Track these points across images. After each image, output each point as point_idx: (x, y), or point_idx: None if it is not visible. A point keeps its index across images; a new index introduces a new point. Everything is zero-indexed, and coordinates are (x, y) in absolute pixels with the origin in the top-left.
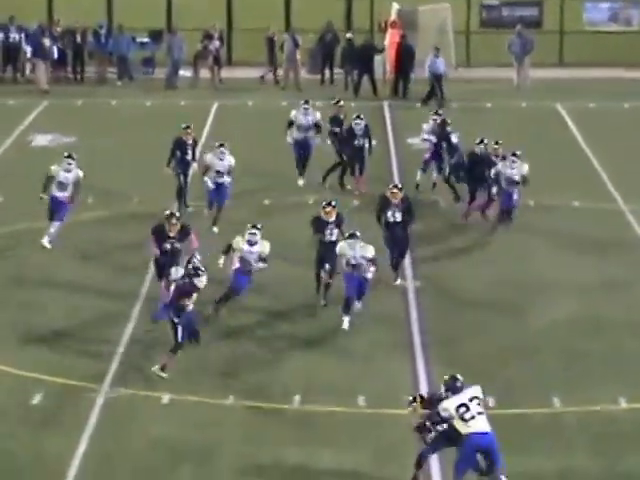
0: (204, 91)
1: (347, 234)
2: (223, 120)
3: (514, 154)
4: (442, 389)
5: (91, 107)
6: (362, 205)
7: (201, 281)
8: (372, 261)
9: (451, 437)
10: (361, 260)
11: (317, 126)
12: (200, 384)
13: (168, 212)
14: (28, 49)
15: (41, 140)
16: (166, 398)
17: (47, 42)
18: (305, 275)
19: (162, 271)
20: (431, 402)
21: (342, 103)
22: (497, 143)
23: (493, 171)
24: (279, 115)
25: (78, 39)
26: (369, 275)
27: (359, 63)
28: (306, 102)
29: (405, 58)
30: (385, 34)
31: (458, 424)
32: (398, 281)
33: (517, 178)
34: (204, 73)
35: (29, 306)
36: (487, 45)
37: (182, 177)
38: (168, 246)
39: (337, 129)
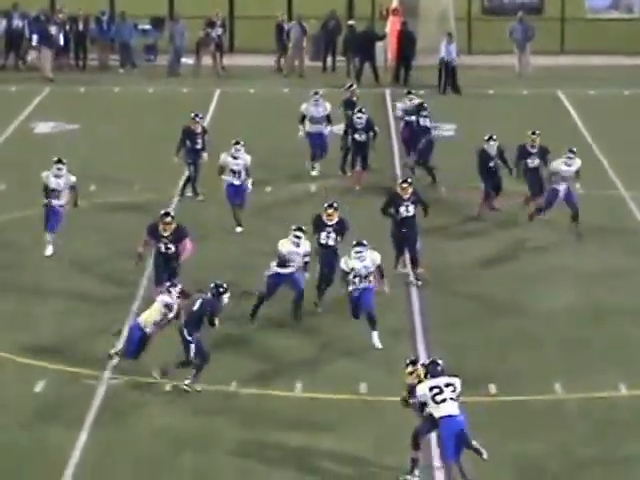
0: (206, 78)
1: (354, 243)
2: (225, 107)
3: (570, 150)
4: (423, 372)
5: (94, 94)
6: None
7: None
8: (379, 268)
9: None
10: (371, 269)
11: (328, 117)
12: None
13: (163, 211)
14: (34, 37)
15: (44, 127)
16: (168, 385)
17: (53, 29)
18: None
19: (160, 276)
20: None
21: (355, 86)
22: (534, 133)
23: (548, 170)
24: (281, 102)
25: (80, 26)
26: (382, 285)
27: (361, 50)
28: (316, 93)
29: (406, 45)
30: (386, 21)
31: (431, 407)
32: (420, 270)
33: (572, 174)
34: (206, 60)
35: (30, 294)
36: (489, 32)
37: (192, 166)
38: (162, 246)
39: (351, 112)
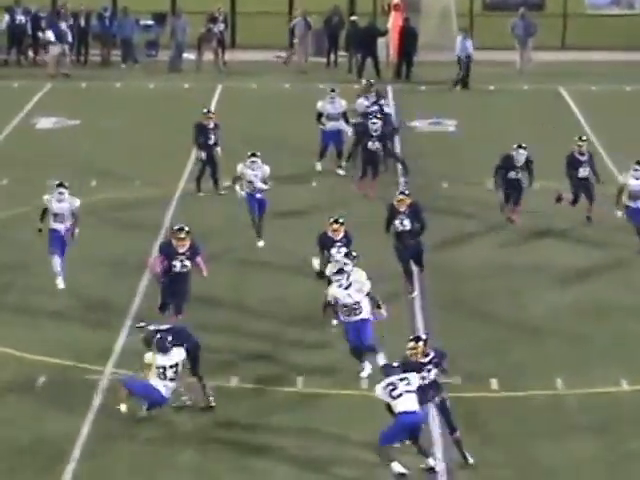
0: (208, 74)
1: (334, 270)
2: (227, 103)
3: (638, 162)
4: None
5: (95, 90)
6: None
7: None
8: (372, 298)
9: None
10: (357, 298)
11: (345, 114)
12: (204, 366)
13: (177, 226)
14: (49, 33)
15: (45, 123)
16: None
17: (64, 26)
18: (306, 259)
19: (168, 302)
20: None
21: (373, 81)
22: (581, 139)
23: (619, 184)
24: (283, 98)
25: (82, 22)
26: (373, 315)
27: (363, 46)
28: (332, 91)
29: (408, 41)
30: (388, 17)
31: (392, 404)
32: (415, 294)
33: None
34: (208, 56)
35: (32, 289)
36: (490, 28)
37: (207, 161)
38: (178, 264)
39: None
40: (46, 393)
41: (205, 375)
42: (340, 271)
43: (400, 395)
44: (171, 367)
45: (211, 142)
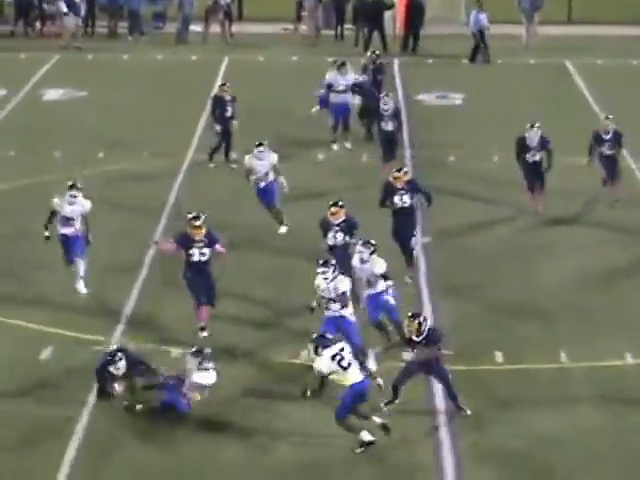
0: (215, 46)
1: (320, 262)
2: (234, 75)
3: None
4: (312, 348)
5: (102, 62)
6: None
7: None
8: (345, 295)
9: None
10: (337, 294)
11: (354, 87)
12: (208, 340)
13: (191, 214)
14: (61, 4)
15: (53, 94)
16: (175, 352)
17: None
18: (311, 232)
19: (199, 293)
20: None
21: (378, 52)
22: (607, 118)
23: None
24: (290, 70)
25: None
26: (351, 314)
27: (369, 19)
28: (342, 64)
29: (415, 14)
30: None
31: (340, 375)
32: (408, 280)
33: None
34: (215, 28)
35: (38, 261)
36: (497, 1)
37: (223, 134)
38: (196, 253)
39: (380, 77)
40: (51, 365)
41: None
42: (325, 263)
43: (350, 365)
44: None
45: (228, 115)
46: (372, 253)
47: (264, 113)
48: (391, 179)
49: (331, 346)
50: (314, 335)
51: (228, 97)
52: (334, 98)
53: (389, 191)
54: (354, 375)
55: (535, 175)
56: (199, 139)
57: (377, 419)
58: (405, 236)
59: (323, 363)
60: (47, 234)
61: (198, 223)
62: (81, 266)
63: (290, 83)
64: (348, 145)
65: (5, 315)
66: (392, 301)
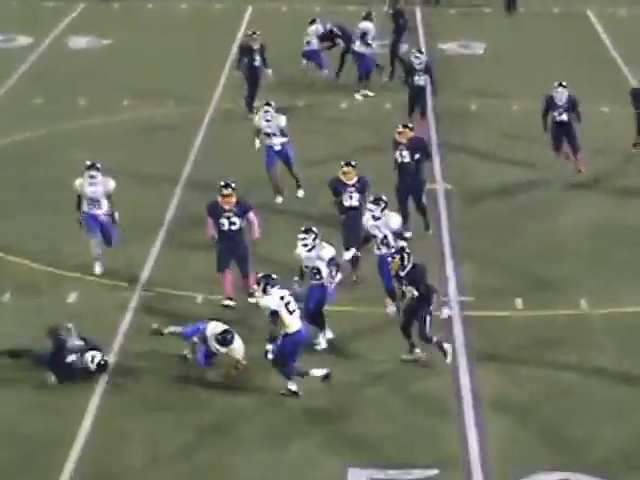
0: None
1: (302, 229)
2: (257, 25)
3: None
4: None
5: (127, 10)
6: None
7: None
8: (333, 263)
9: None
10: (320, 265)
11: (364, 37)
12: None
13: (222, 182)
14: None
15: (78, 42)
16: (199, 298)
17: None
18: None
19: (224, 260)
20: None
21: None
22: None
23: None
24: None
25: None
26: (332, 283)
27: None
28: (368, 14)
29: None
30: None
31: (284, 316)
32: (430, 231)
33: None
34: None
35: (65, 207)
36: None
37: (250, 83)
38: (225, 222)
39: (402, 20)
40: (78, 308)
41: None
42: (307, 231)
43: (294, 311)
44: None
45: (256, 63)
46: (383, 209)
47: (286, 61)
48: (396, 134)
49: (279, 287)
50: (260, 274)
51: (256, 45)
52: (365, 50)
53: (393, 146)
54: (296, 322)
55: (564, 135)
56: (223, 87)
57: (292, 385)
58: (415, 189)
59: (271, 300)
60: (80, 218)
61: (227, 192)
62: (98, 246)
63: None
64: (358, 96)
65: (34, 260)
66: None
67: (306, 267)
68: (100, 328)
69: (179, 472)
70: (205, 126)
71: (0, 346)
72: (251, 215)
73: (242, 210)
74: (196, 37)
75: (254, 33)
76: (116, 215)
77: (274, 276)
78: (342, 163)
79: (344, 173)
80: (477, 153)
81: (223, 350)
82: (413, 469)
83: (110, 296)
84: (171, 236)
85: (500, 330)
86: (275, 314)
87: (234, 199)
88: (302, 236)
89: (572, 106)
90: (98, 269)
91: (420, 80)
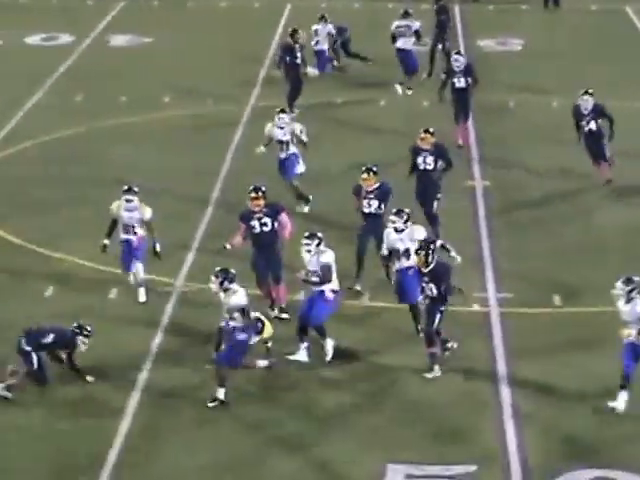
0: None
1: (305, 234)
2: (296, 22)
3: None
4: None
5: (168, 8)
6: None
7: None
8: (325, 269)
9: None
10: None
11: (417, 33)
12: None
13: (251, 186)
14: None
15: (119, 40)
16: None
17: None
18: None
19: (261, 274)
20: None
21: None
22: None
23: None
24: (351, 17)
25: None
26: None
27: None
28: (406, 13)
29: None
30: None
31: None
32: (439, 242)
33: None
34: None
35: (106, 205)
36: None
37: (293, 82)
38: (256, 223)
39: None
40: (119, 304)
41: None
42: (310, 236)
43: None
44: None
45: (298, 61)
46: (407, 221)
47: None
48: (417, 140)
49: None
50: (218, 268)
51: (298, 44)
52: (400, 44)
53: (414, 152)
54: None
55: (592, 142)
56: (261, 85)
57: (261, 362)
58: (425, 200)
59: (243, 297)
60: (106, 242)
61: (254, 194)
62: (141, 272)
63: (352, 30)
64: (400, 89)
65: (77, 256)
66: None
67: (308, 271)
68: (140, 324)
69: (218, 469)
70: (243, 124)
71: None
72: (283, 217)
73: (273, 211)
74: (235, 35)
75: (296, 31)
76: (157, 246)
77: (232, 271)
78: (362, 168)
79: (363, 179)
80: (515, 150)
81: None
82: (452, 465)
83: (151, 293)
84: (209, 233)
85: (538, 327)
86: (245, 311)
87: (262, 202)
88: (306, 241)
89: (598, 114)
90: (143, 297)
91: (460, 82)
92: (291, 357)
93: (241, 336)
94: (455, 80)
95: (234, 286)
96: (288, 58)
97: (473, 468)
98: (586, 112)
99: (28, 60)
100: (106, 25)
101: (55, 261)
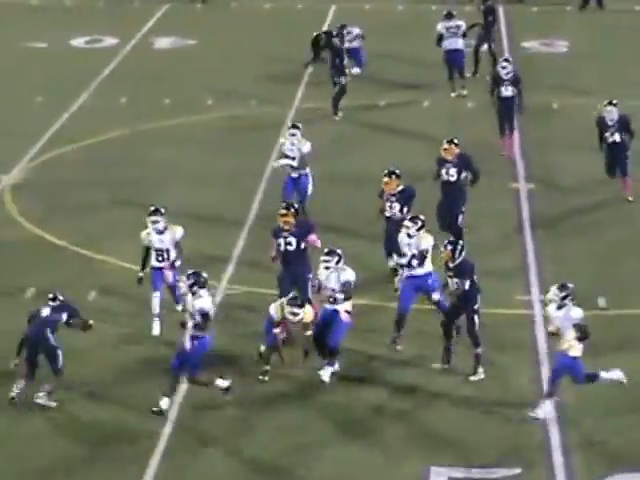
0: None
1: (325, 251)
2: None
3: None
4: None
5: (211, 10)
6: None
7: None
8: (348, 286)
9: None
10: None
11: (464, 34)
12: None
13: (283, 203)
14: None
15: (163, 42)
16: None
17: None
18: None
19: (284, 289)
20: None
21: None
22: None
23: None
24: (394, 19)
25: None
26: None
27: None
28: (450, 14)
29: None
30: None
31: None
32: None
33: None
34: None
35: (149, 203)
36: None
37: (339, 83)
38: (282, 242)
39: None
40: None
41: None
42: (330, 252)
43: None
44: None
45: (344, 62)
46: (420, 229)
47: (371, 61)
48: (441, 151)
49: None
50: (190, 271)
51: (343, 45)
52: (447, 45)
53: (438, 163)
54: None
55: (615, 155)
56: (305, 87)
57: (221, 382)
58: (449, 213)
59: (208, 302)
60: (141, 275)
61: (283, 211)
62: (158, 304)
63: (396, 32)
64: (464, 92)
65: (121, 258)
66: (432, 285)
67: (326, 287)
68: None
69: (258, 470)
70: (287, 125)
71: (84, 343)
72: (312, 237)
73: (302, 231)
74: (279, 36)
75: (341, 31)
76: (178, 263)
77: (205, 275)
78: (384, 172)
79: (384, 183)
80: (560, 152)
81: (298, 313)
82: (496, 468)
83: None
84: (253, 235)
85: None
86: (208, 316)
87: (292, 219)
88: (326, 258)
89: (623, 126)
90: (157, 330)
91: (507, 91)
92: (320, 372)
93: (199, 342)
94: (502, 89)
95: (203, 292)
96: (337, 60)
97: (517, 471)
98: (611, 123)
99: (73, 63)
100: (150, 27)
101: (98, 263)
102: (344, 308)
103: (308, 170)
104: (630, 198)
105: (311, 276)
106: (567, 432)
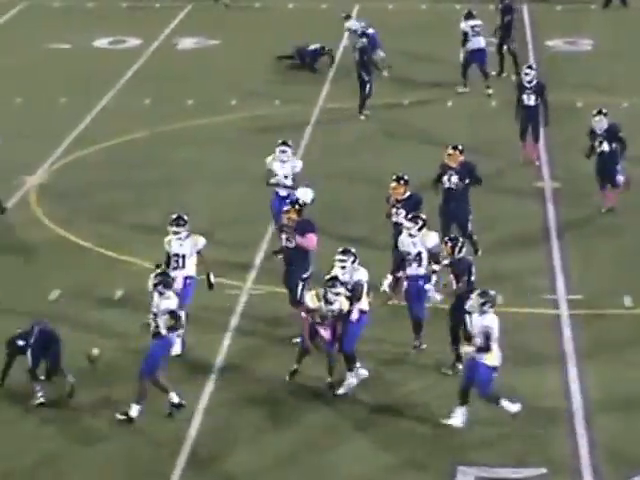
0: None
1: (340, 250)
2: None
3: None
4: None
5: (234, 10)
6: None
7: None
8: (359, 286)
9: None
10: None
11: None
12: None
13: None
14: None
15: (186, 43)
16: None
17: None
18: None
19: (287, 283)
20: None
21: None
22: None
23: None
24: (418, 18)
25: None
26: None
27: None
28: (470, 14)
29: None
30: None
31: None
32: (480, 253)
33: None
34: None
35: (175, 207)
36: None
37: (366, 83)
38: (283, 237)
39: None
40: (189, 306)
41: None
42: (344, 252)
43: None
44: None
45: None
46: (421, 228)
47: (393, 58)
48: (445, 157)
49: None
50: (158, 270)
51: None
52: (470, 45)
53: (441, 169)
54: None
55: (604, 169)
56: (329, 86)
57: (174, 397)
58: (459, 219)
59: (174, 302)
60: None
61: (286, 207)
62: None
63: (419, 31)
64: (490, 91)
65: (145, 259)
66: (428, 292)
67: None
68: (209, 327)
69: (284, 469)
70: (312, 125)
71: (109, 346)
72: (306, 239)
73: (302, 229)
74: (303, 37)
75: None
76: (211, 277)
77: (172, 275)
78: (392, 177)
79: (392, 188)
80: (584, 151)
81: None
82: (522, 468)
83: (219, 295)
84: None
85: (609, 329)
86: (174, 314)
87: (295, 216)
88: (341, 257)
89: (612, 135)
90: (178, 349)
91: (530, 100)
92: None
93: (160, 341)
94: (524, 97)
95: (169, 292)
96: (365, 57)
97: (543, 471)
98: (600, 132)
99: (96, 63)
100: (173, 28)
101: (123, 264)
102: (358, 307)
103: (297, 192)
104: (603, 210)
105: (306, 276)
106: (593, 432)
